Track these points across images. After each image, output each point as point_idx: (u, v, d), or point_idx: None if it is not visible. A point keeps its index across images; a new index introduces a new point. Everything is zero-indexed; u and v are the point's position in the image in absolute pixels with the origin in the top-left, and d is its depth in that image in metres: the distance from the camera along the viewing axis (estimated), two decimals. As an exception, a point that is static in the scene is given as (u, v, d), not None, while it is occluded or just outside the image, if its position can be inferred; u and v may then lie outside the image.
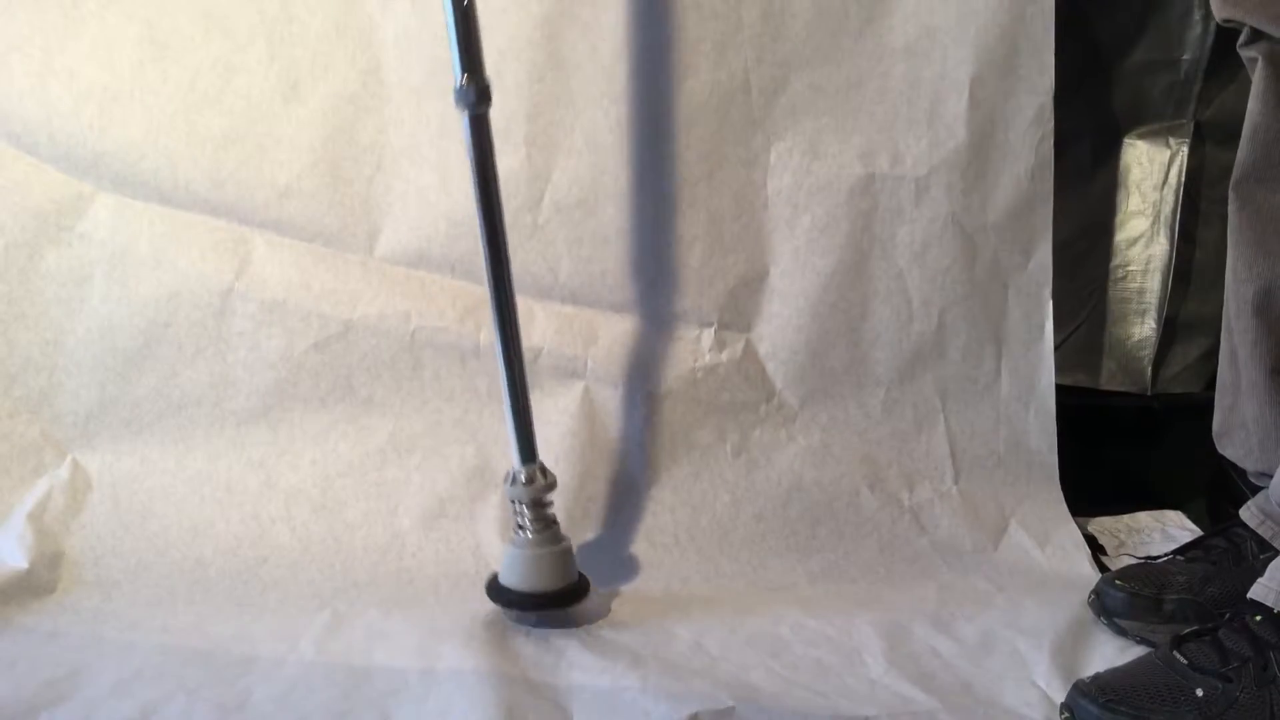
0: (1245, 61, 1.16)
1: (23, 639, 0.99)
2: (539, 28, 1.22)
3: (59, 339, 1.18)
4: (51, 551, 1.10)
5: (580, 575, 1.09)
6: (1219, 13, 1.09)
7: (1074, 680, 0.95)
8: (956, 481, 1.33)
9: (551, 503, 1.09)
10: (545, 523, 1.07)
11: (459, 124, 1.19)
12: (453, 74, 0.98)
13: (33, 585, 1.06)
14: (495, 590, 1.06)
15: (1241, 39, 1.10)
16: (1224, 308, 1.22)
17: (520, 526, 1.06)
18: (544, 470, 1.07)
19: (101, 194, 1.18)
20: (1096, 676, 0.94)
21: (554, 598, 1.06)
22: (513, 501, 1.07)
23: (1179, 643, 0.94)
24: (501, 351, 1.04)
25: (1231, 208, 1.16)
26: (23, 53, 1.14)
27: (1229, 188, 1.16)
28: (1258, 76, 1.13)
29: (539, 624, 1.06)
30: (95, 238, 1.18)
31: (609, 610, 1.11)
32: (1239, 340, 1.19)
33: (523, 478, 1.06)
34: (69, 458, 1.18)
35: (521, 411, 1.06)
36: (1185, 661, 0.92)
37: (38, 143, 1.16)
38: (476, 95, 0.98)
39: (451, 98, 0.99)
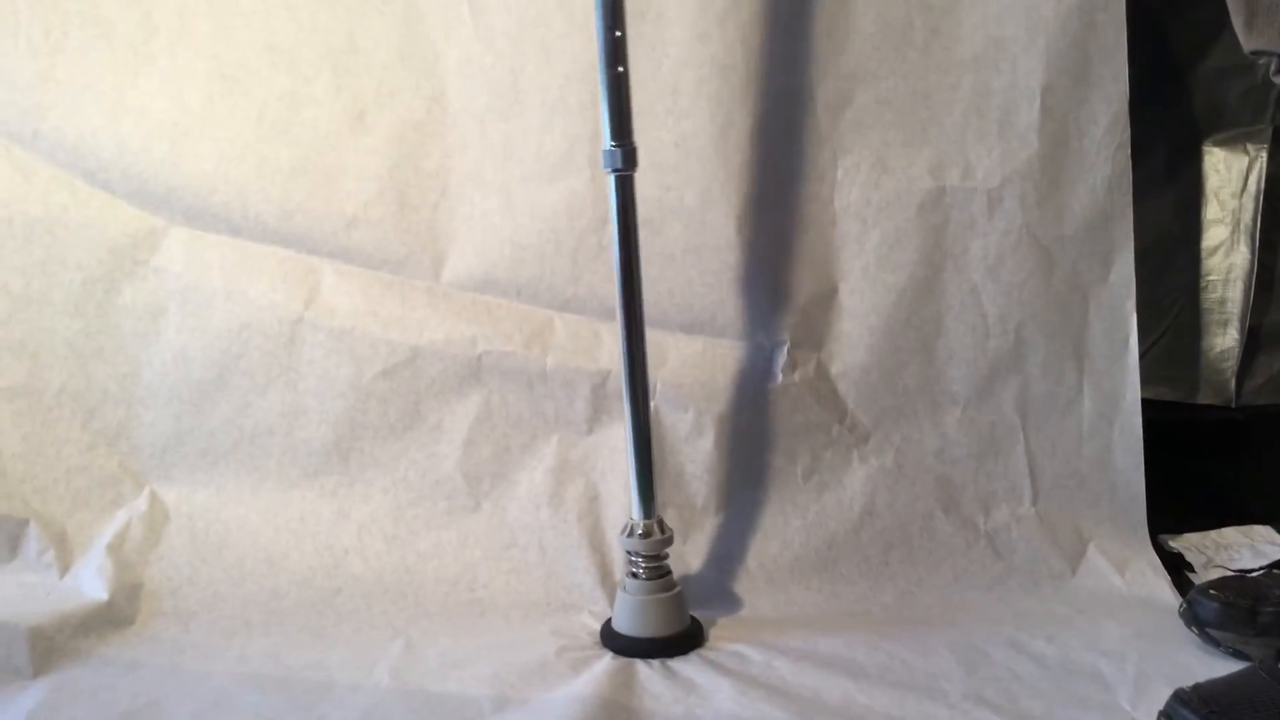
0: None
1: (103, 670, 1.00)
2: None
3: (136, 372, 1.20)
4: (131, 583, 1.11)
5: (693, 619, 1.11)
6: (1246, 45, 1.06)
7: (1160, 702, 0.92)
8: (1035, 503, 1.30)
9: (667, 555, 1.10)
10: (660, 573, 1.09)
11: (524, 147, 1.20)
12: (602, 137, 1.04)
13: (113, 617, 1.08)
14: (612, 637, 1.08)
15: (1274, 68, 1.07)
16: None
17: (635, 575, 1.09)
18: (662, 525, 1.10)
19: (174, 228, 1.20)
20: (1198, 686, 0.91)
21: (672, 642, 1.07)
22: (629, 554, 1.09)
23: None
24: (630, 409, 1.08)
25: None
26: (96, 91, 1.17)
27: None
28: None
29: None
30: (169, 271, 1.20)
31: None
32: None
33: (640, 531, 1.09)
34: (147, 489, 1.19)
35: (644, 466, 1.09)
36: None
37: (111, 179, 1.18)
38: (624, 160, 1.04)
39: (601, 160, 1.05)
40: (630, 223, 1.06)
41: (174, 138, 1.18)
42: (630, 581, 1.09)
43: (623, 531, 1.10)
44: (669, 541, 1.10)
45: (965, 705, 0.97)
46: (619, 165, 1.04)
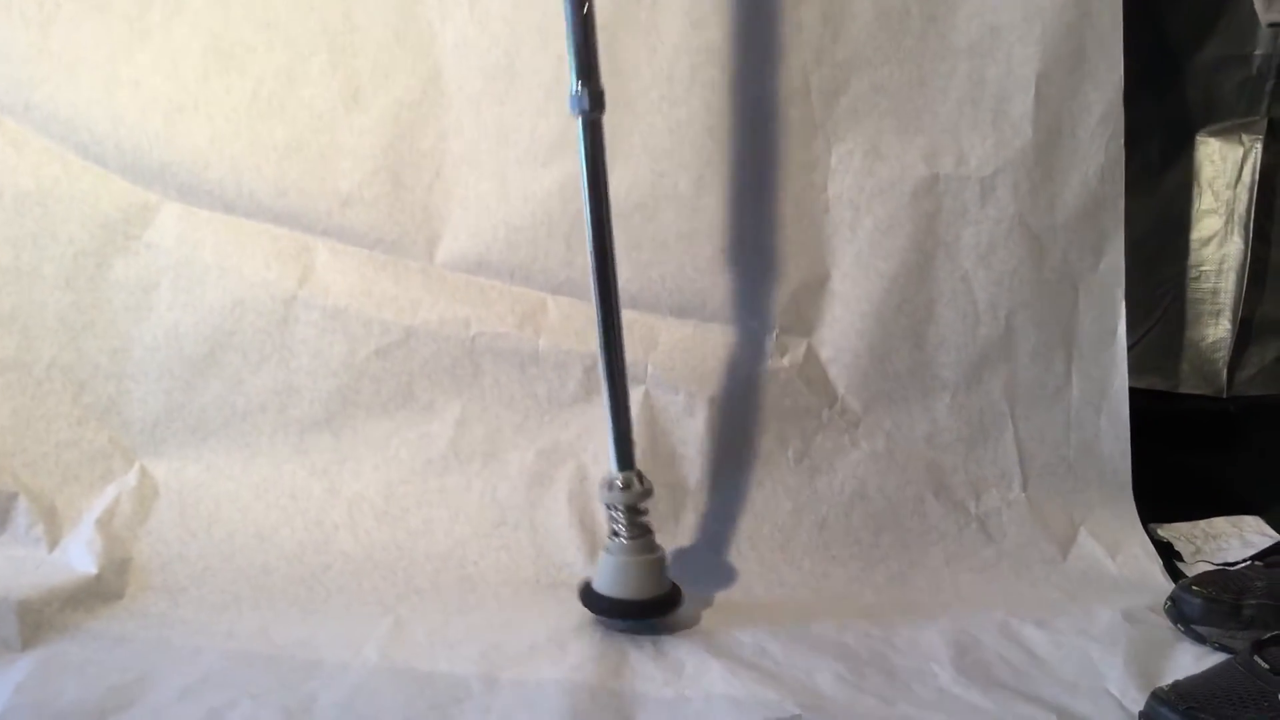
0: None
1: (91, 644, 1.00)
2: (597, 33, 1.22)
3: (127, 347, 1.19)
4: (120, 557, 1.11)
5: (673, 584, 1.10)
6: (1264, 17, 1.06)
7: (1149, 688, 0.92)
8: (1025, 489, 1.30)
9: (647, 510, 1.09)
10: (641, 529, 1.08)
11: (519, 130, 1.20)
12: (569, 80, 1.02)
13: (102, 591, 1.07)
14: (589, 597, 1.07)
15: None
16: None
17: (615, 533, 1.08)
18: (641, 477, 1.08)
19: (167, 203, 1.20)
20: (1175, 684, 0.91)
21: (647, 606, 1.06)
22: (609, 507, 1.08)
23: (1260, 647, 0.91)
24: (604, 358, 1.07)
25: None
26: (89, 64, 1.16)
27: None
28: None
29: (625, 628, 1.06)
30: (162, 246, 1.19)
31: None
32: None
33: (619, 483, 1.08)
34: (137, 464, 1.19)
35: (622, 418, 1.08)
36: (1267, 666, 0.89)
37: (105, 153, 1.17)
38: (591, 101, 1.02)
39: (567, 104, 1.03)
40: (601, 173, 1.04)
41: (168, 113, 1.18)
42: (611, 541, 1.08)
43: (601, 485, 1.09)
44: (649, 493, 1.08)
45: (955, 689, 0.97)
46: (586, 108, 1.02)
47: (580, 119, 1.03)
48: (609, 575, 1.07)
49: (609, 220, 1.06)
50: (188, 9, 1.17)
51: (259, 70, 1.19)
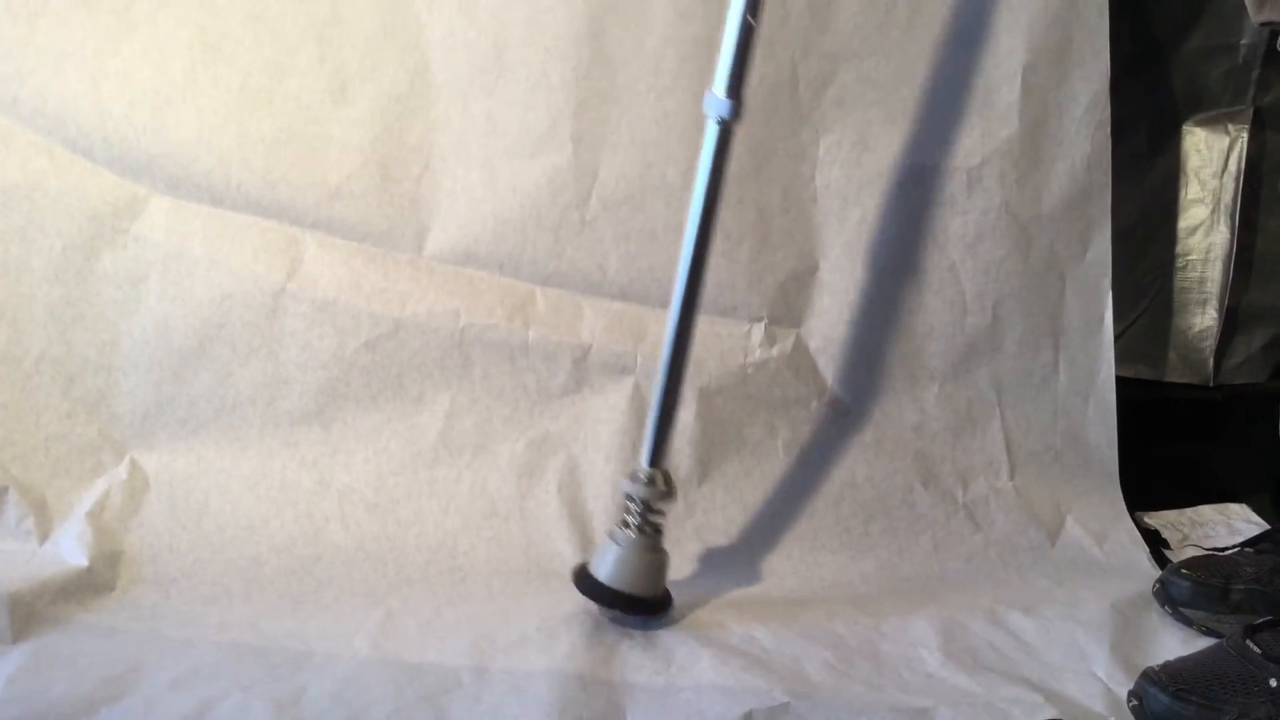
0: None
1: (83, 636, 1.00)
2: (585, 25, 1.22)
3: (116, 340, 1.19)
4: (111, 550, 1.11)
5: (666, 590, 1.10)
6: (1255, 16, 1.07)
7: (1136, 671, 0.93)
8: (1012, 477, 1.31)
9: (664, 512, 1.08)
10: (654, 529, 1.08)
11: (507, 122, 1.20)
12: (714, 84, 1.02)
13: (93, 583, 1.07)
14: (584, 580, 1.06)
15: None
16: None
17: (626, 524, 1.07)
18: (668, 478, 1.08)
19: (155, 196, 1.19)
20: (1166, 665, 0.92)
21: (640, 603, 1.06)
22: (629, 498, 1.07)
23: (1252, 632, 0.92)
24: (669, 356, 1.06)
25: None
26: (76, 57, 1.16)
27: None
28: None
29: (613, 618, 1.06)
30: (150, 239, 1.19)
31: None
32: None
33: (644, 478, 1.07)
34: (127, 457, 1.19)
35: (666, 415, 1.07)
36: (1259, 651, 0.90)
37: (92, 146, 1.17)
38: (732, 111, 1.02)
39: (704, 106, 1.02)
40: (720, 178, 1.04)
41: (156, 106, 1.17)
42: (619, 531, 1.07)
43: (627, 477, 1.08)
44: (672, 495, 1.08)
45: (943, 674, 0.98)
46: (725, 117, 1.02)
47: (718, 125, 1.03)
48: (609, 563, 1.06)
49: (714, 225, 1.05)
50: (175, 2, 1.17)
51: (246, 63, 1.19)
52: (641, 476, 1.07)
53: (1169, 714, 0.88)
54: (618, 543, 1.06)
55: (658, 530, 1.08)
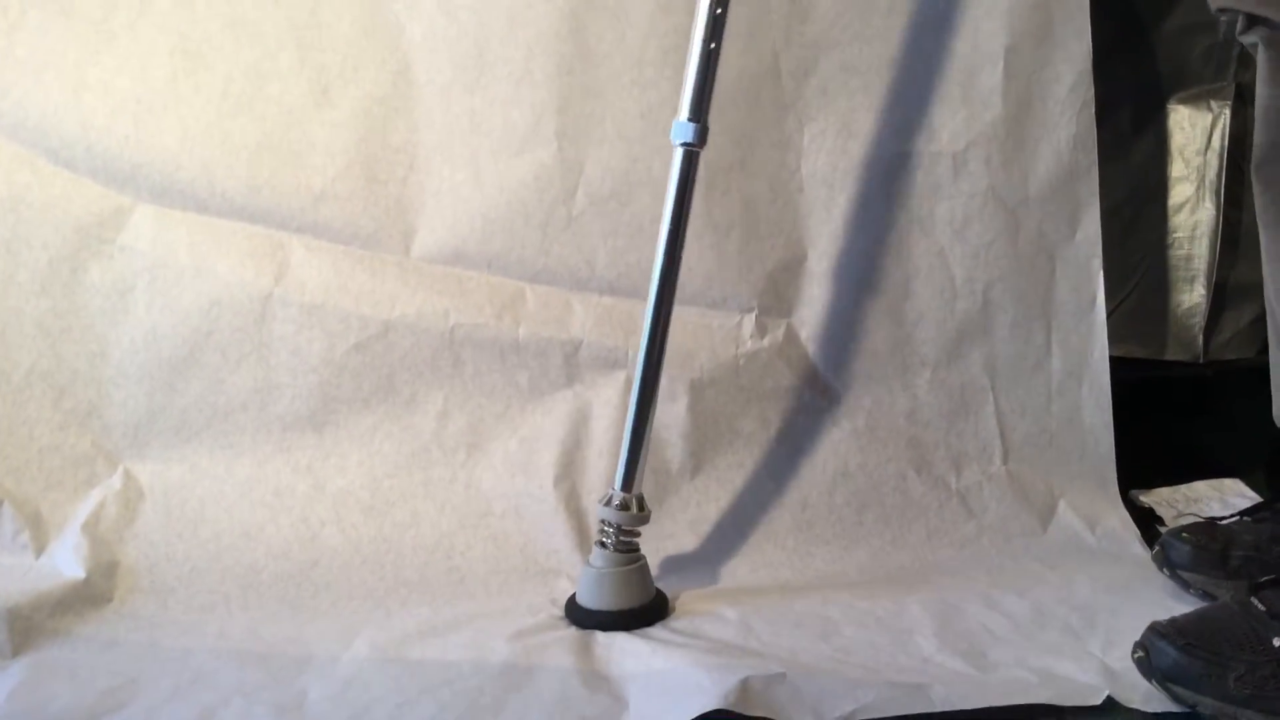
0: (1248, 47, 1.13)
1: (82, 648, 1.00)
2: (566, 20, 1.22)
3: (105, 351, 1.19)
4: (107, 561, 1.11)
5: (659, 592, 1.10)
6: (1214, 3, 1.06)
7: (1132, 642, 0.93)
8: (1005, 462, 1.31)
9: (639, 534, 1.09)
10: (628, 545, 1.08)
11: (490, 120, 1.19)
12: (679, 110, 1.03)
13: (90, 595, 1.07)
14: (577, 612, 1.07)
15: (1240, 27, 1.07)
16: (1264, 289, 1.19)
17: (603, 544, 1.07)
18: (641, 503, 1.08)
19: (140, 205, 1.19)
20: (1174, 619, 0.91)
21: (638, 614, 1.06)
22: (604, 522, 1.08)
23: (1257, 589, 0.92)
24: (641, 375, 1.07)
25: (1256, 190, 1.11)
26: (57, 68, 1.16)
27: (1251, 171, 1.13)
28: (1261, 61, 1.09)
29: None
30: (136, 249, 1.19)
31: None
32: None
33: (617, 503, 1.07)
34: (120, 468, 1.19)
35: (638, 439, 1.07)
36: (1263, 608, 0.89)
37: (75, 157, 1.17)
38: (697, 136, 1.03)
39: (670, 133, 1.04)
40: (686, 201, 1.05)
41: (137, 115, 1.17)
42: (598, 552, 1.08)
43: (600, 500, 1.09)
44: (645, 519, 1.08)
45: (939, 658, 0.98)
46: (690, 141, 1.03)
47: (681, 150, 1.04)
48: (594, 588, 1.07)
49: (680, 251, 1.06)
50: (153, 10, 1.17)
51: (227, 69, 1.19)
52: (615, 501, 1.07)
53: (1176, 667, 0.87)
54: (596, 565, 1.07)
55: (631, 545, 1.08)
